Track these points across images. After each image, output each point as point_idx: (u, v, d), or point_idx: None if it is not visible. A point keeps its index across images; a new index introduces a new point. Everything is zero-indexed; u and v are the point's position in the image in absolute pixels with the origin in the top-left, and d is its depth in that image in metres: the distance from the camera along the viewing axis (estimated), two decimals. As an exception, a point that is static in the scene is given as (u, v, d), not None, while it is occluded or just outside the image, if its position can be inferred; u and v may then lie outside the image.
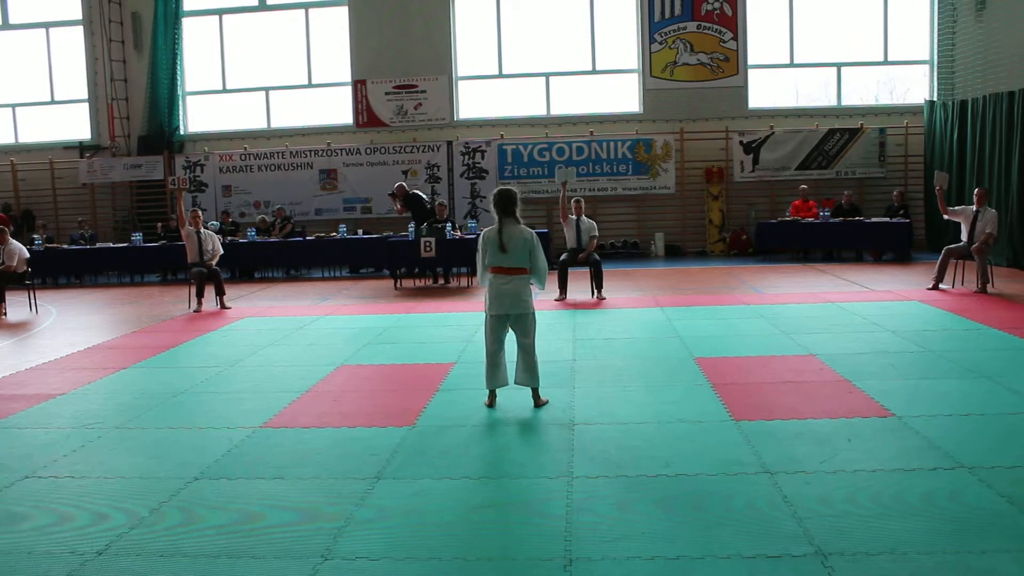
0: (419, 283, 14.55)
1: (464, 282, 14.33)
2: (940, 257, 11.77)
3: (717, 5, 18.21)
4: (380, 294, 13.37)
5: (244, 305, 12.46)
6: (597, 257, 11.99)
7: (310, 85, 19.67)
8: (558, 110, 19.10)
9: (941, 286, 11.56)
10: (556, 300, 11.55)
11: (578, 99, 19.04)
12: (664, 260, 17.56)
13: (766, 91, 18.75)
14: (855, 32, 18.44)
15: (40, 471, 5.09)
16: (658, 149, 18.26)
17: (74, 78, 20.12)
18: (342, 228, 16.58)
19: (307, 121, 19.62)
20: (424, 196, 16.14)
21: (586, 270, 12.10)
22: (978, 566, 3.52)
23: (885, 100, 18.88)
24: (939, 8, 17.49)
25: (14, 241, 12.70)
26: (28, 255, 12.76)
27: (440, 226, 14.26)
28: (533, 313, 6.25)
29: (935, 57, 17.83)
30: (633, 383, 6.89)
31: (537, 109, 19.15)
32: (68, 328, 10.91)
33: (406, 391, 6.86)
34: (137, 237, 16.68)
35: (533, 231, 6.29)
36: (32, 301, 12.66)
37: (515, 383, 6.26)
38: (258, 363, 8.17)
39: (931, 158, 17.19)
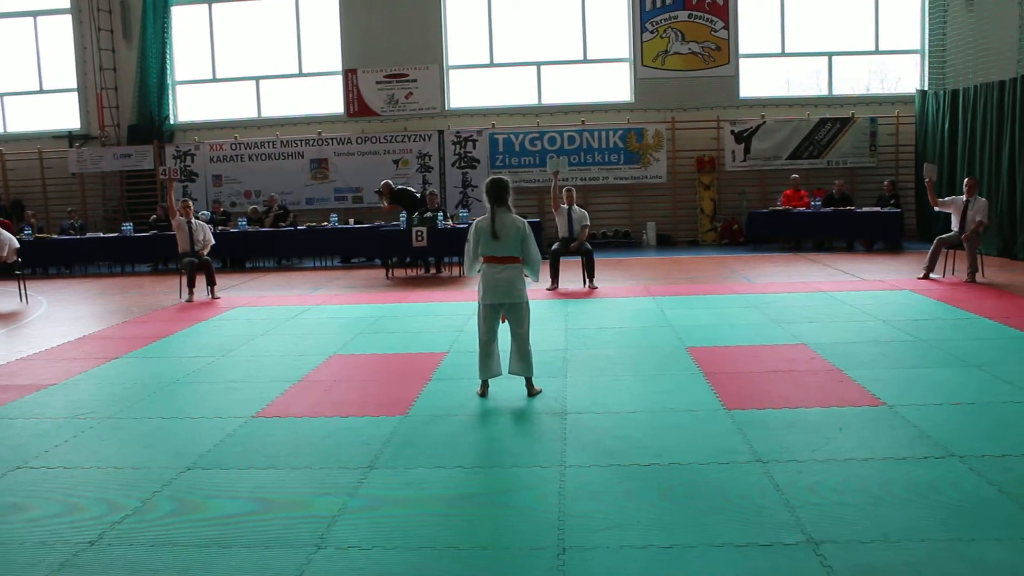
0: (411, 273, 14.54)
1: (456, 271, 14.32)
2: (932, 246, 11.79)
3: (709, -6, 18.20)
4: (371, 284, 13.36)
5: (235, 295, 12.43)
6: (589, 247, 12.01)
7: (300, 74, 19.58)
8: (549, 99, 19.06)
9: (932, 275, 11.60)
10: (548, 290, 11.55)
11: (569, 88, 19.00)
12: (656, 249, 17.57)
13: (757, 80, 18.75)
14: (846, 21, 18.44)
15: (32, 461, 5.08)
16: (649, 138, 18.25)
17: (63, 67, 19.98)
18: (333, 218, 16.54)
19: (298, 110, 19.53)
20: (412, 188, 16.11)
21: (578, 260, 12.12)
22: (969, 554, 3.54)
23: (876, 90, 18.91)
24: (930, -3, 17.52)
25: (4, 232, 12.65)
26: (18, 245, 12.71)
27: (431, 215, 14.24)
28: (527, 302, 6.25)
29: (926, 47, 17.85)
30: (625, 372, 6.90)
31: (528, 98, 19.10)
32: (59, 318, 10.87)
33: (398, 381, 6.86)
34: (127, 227, 16.61)
35: (525, 220, 6.28)
36: (22, 291, 12.59)
37: (509, 372, 6.26)
38: (250, 353, 8.16)
39: (922, 148, 17.22)
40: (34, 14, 20.02)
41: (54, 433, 5.65)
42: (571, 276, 12.15)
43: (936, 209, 12.27)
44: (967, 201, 11.58)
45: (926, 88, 17.54)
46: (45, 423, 5.90)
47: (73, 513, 4.27)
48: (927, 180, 12.01)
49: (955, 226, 11.73)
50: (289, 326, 9.58)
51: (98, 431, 5.70)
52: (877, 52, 18.57)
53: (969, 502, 4.06)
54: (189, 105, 20.02)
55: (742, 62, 18.50)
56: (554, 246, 12.07)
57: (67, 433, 5.64)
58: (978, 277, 11.27)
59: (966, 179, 11.96)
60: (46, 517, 4.23)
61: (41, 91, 20.25)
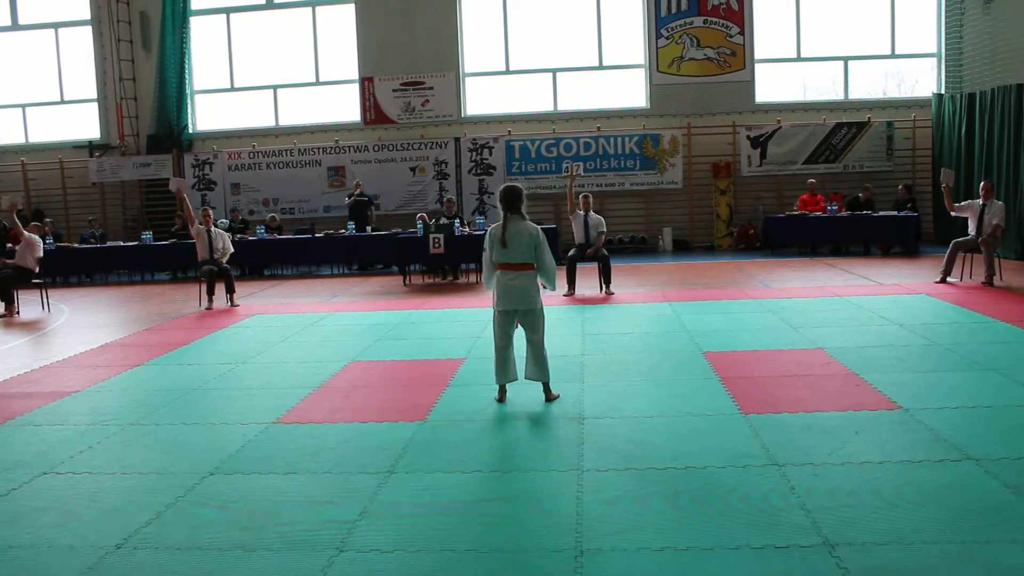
0: (428, 279, 14.61)
1: (473, 278, 14.38)
2: (948, 250, 11.76)
3: (723, 0, 18.21)
4: (389, 290, 13.44)
5: (254, 302, 12.54)
6: (605, 252, 12.03)
7: (317, 83, 19.74)
8: (565, 106, 19.13)
9: (949, 279, 11.57)
10: (565, 295, 11.59)
11: (585, 95, 19.07)
12: (672, 255, 17.59)
13: (773, 85, 18.75)
14: (862, 25, 18.42)
15: (58, 467, 5.16)
16: (665, 144, 18.28)
17: (83, 78, 20.26)
18: (351, 225, 16.64)
19: (315, 119, 19.69)
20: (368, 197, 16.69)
21: (594, 265, 12.15)
22: (984, 556, 3.56)
23: (892, 93, 18.88)
24: (946, 0, 17.45)
25: (36, 237, 12.83)
26: (41, 253, 12.81)
27: (448, 222, 14.31)
28: (541, 308, 6.29)
29: (943, 50, 17.81)
30: (642, 377, 6.93)
31: (544, 105, 19.18)
32: (81, 326, 11.00)
33: (417, 386, 6.92)
34: (147, 236, 16.78)
35: (539, 227, 6.30)
36: (44, 300, 12.75)
37: (525, 378, 6.30)
38: (269, 360, 8.24)
39: (939, 151, 17.17)
40: (55, 26, 20.29)
41: (78, 439, 5.74)
42: (588, 282, 12.18)
43: (953, 214, 12.24)
44: (984, 205, 11.55)
45: (943, 92, 17.51)
46: (70, 429, 5.99)
47: (99, 517, 4.34)
48: (944, 185, 11.99)
49: (972, 230, 11.70)
50: (308, 333, 9.66)
51: (121, 437, 5.78)
52: (893, 56, 18.55)
53: (985, 505, 4.08)
54: (207, 114, 20.21)
55: (758, 67, 18.51)
56: (571, 252, 12.12)
57: (91, 439, 5.73)
58: (996, 281, 11.24)
59: (982, 183, 11.92)
60: (73, 521, 4.31)
61: (62, 102, 20.52)
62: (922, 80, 18.72)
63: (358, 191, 17.29)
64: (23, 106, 20.56)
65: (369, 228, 16.67)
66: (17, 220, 12.60)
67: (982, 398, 5.92)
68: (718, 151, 18.41)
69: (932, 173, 17.27)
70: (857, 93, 18.68)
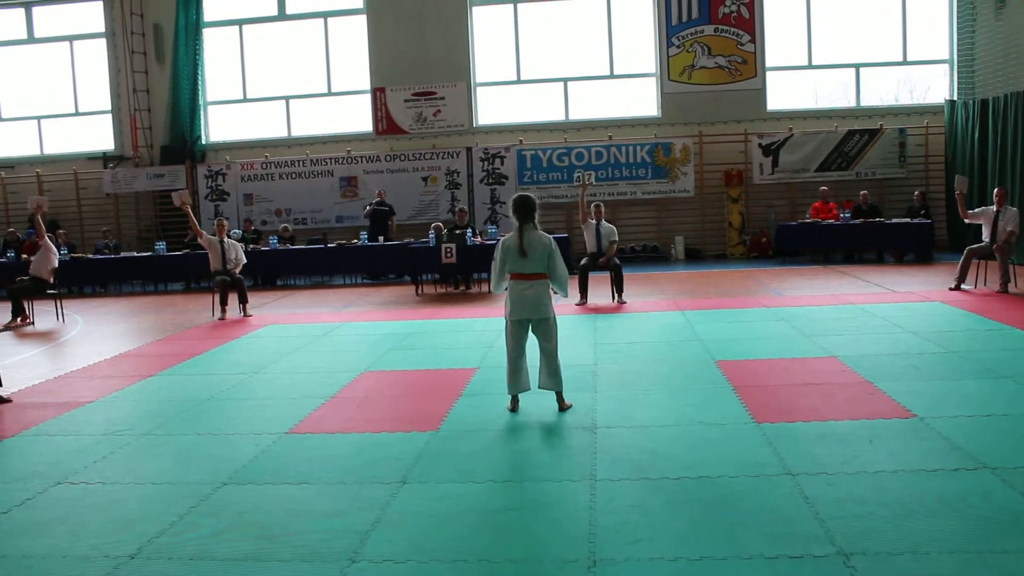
0: (440, 289, 14.62)
1: (485, 288, 14.38)
2: (962, 257, 11.71)
3: (734, 8, 18.21)
4: (401, 300, 13.45)
5: (267, 312, 12.57)
6: (617, 261, 12.03)
7: (329, 93, 19.82)
8: (577, 115, 19.14)
9: (963, 286, 11.51)
10: (577, 305, 11.58)
11: (597, 104, 19.08)
12: (684, 264, 17.56)
13: (785, 93, 18.73)
14: (874, 32, 18.38)
15: (72, 477, 5.18)
16: (677, 152, 18.26)
17: (97, 90, 20.39)
18: (363, 235, 16.67)
19: (327, 129, 19.75)
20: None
21: (606, 274, 12.14)
22: (1001, 566, 3.53)
23: (905, 100, 18.80)
24: (958, 6, 17.39)
25: (53, 247, 12.91)
26: (56, 264, 12.88)
27: (460, 232, 14.33)
28: (554, 318, 6.29)
29: (955, 56, 17.75)
30: (654, 386, 6.92)
31: (556, 114, 19.20)
32: (95, 336, 11.05)
33: (429, 396, 6.92)
34: (161, 246, 16.86)
35: (551, 237, 6.32)
36: (59, 310, 12.82)
37: (539, 387, 6.30)
38: (282, 370, 8.26)
39: (952, 158, 17.10)
40: (70, 39, 20.45)
41: (92, 449, 5.76)
42: (600, 291, 12.17)
43: (967, 221, 12.19)
44: (997, 211, 11.50)
45: (955, 98, 17.44)
46: (84, 439, 6.02)
47: (113, 528, 4.36)
48: (958, 193, 11.94)
49: (986, 236, 11.65)
50: (321, 343, 9.68)
51: (135, 447, 5.80)
52: (905, 62, 18.49)
53: (1001, 514, 4.05)
54: (220, 125, 20.31)
55: (769, 75, 18.49)
56: (583, 261, 12.11)
57: (105, 449, 5.75)
58: (1010, 287, 11.18)
59: (996, 189, 11.87)
60: (87, 531, 4.33)
61: (77, 113, 20.67)
62: (934, 86, 18.66)
63: (378, 200, 17.35)
64: (38, 118, 20.71)
65: (381, 238, 16.68)
66: (41, 222, 12.67)
67: (997, 406, 5.88)
68: (730, 159, 18.38)
69: (945, 180, 17.20)
70: (869, 100, 18.64)
